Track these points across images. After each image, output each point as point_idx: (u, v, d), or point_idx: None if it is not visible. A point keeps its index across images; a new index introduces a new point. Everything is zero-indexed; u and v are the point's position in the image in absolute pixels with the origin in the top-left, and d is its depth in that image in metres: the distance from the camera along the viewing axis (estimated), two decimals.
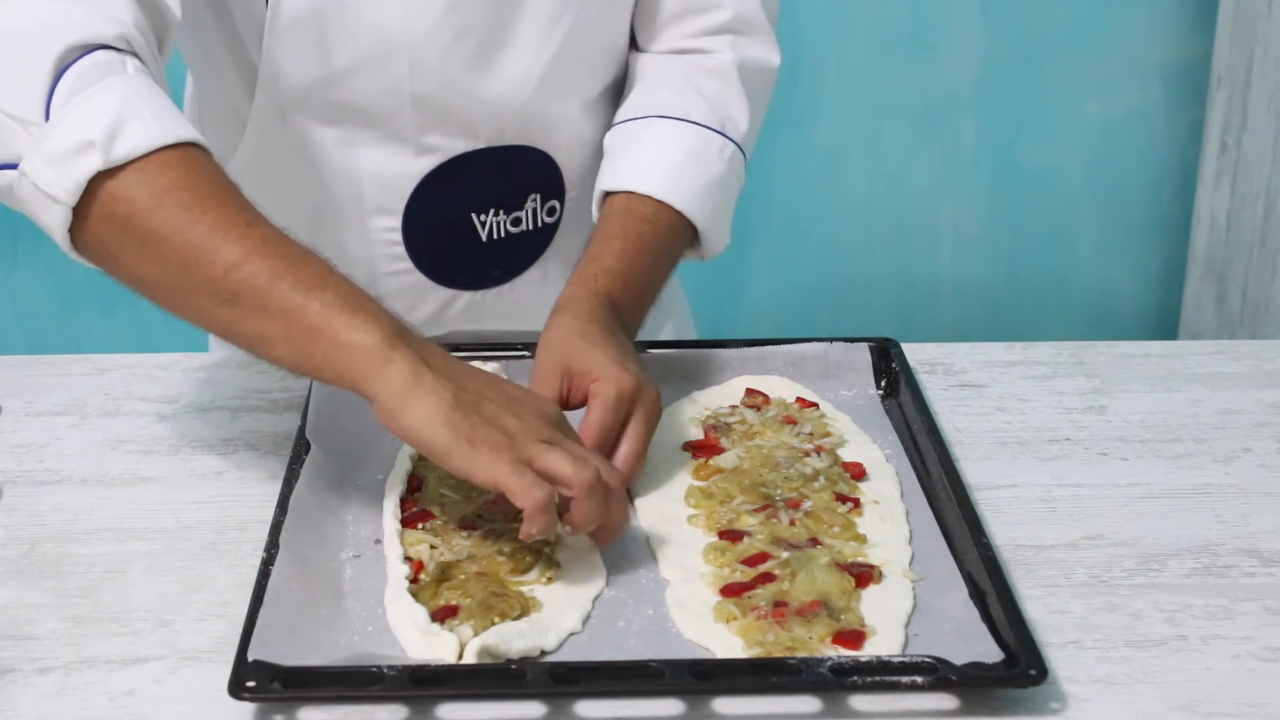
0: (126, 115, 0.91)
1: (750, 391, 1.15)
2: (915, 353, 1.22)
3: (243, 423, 1.15)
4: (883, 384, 1.17)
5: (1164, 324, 2.60)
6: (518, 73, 1.18)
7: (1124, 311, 2.61)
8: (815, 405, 1.13)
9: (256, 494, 1.05)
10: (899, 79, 2.44)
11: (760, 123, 1.25)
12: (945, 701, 0.82)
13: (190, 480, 1.07)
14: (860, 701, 0.82)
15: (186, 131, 0.93)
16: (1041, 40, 2.43)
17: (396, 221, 1.22)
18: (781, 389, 1.15)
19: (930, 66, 2.44)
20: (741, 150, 1.21)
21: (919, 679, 0.82)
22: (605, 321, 1.04)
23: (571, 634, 0.88)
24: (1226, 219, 2.40)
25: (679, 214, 1.15)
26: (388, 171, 1.20)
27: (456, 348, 1.19)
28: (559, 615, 0.88)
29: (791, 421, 1.10)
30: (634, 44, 1.26)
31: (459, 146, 1.20)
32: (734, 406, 1.13)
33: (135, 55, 0.96)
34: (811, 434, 1.08)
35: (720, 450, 1.07)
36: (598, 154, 1.23)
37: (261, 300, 0.89)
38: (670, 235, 1.15)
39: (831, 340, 1.19)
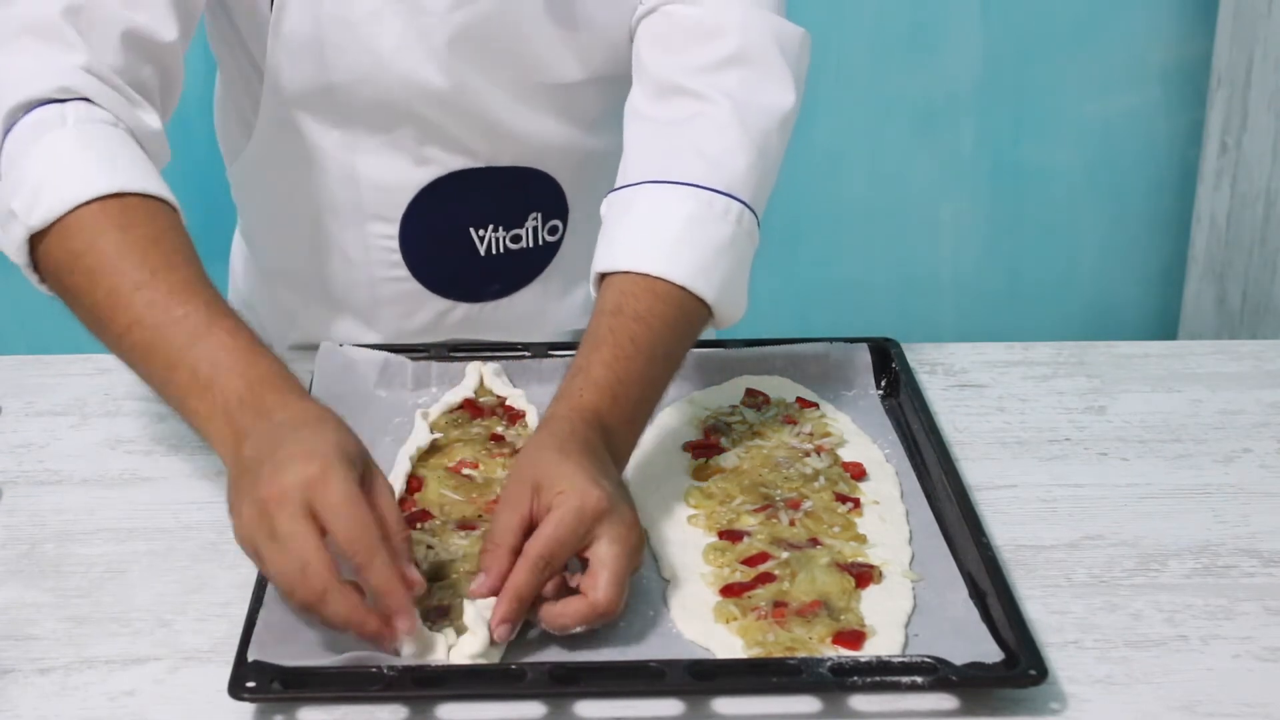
0: (43, 182, 0.95)
1: (750, 391, 1.15)
2: (915, 353, 1.22)
3: None
4: (883, 384, 1.17)
5: (1164, 324, 2.60)
6: (514, 103, 1.17)
7: (1124, 311, 2.61)
8: (815, 405, 1.13)
9: None
10: (899, 79, 2.44)
11: (773, 174, 1.11)
12: (945, 702, 0.83)
13: (190, 480, 1.07)
14: (860, 702, 0.82)
15: (103, 183, 0.96)
16: (1041, 40, 2.42)
17: (394, 230, 1.21)
18: (781, 389, 1.15)
19: (930, 66, 2.43)
20: (751, 209, 1.07)
21: (919, 679, 0.82)
22: (586, 441, 0.93)
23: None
24: (1226, 219, 2.40)
25: (683, 289, 1.02)
26: (386, 179, 1.19)
27: (456, 347, 1.19)
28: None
29: (791, 421, 1.10)
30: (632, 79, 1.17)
31: (457, 163, 1.19)
32: (734, 406, 1.13)
33: (83, 99, 0.99)
34: (811, 434, 1.08)
35: (720, 450, 1.07)
36: (603, 175, 1.15)
37: (146, 369, 0.94)
38: (671, 325, 1.02)
39: (831, 340, 1.19)
